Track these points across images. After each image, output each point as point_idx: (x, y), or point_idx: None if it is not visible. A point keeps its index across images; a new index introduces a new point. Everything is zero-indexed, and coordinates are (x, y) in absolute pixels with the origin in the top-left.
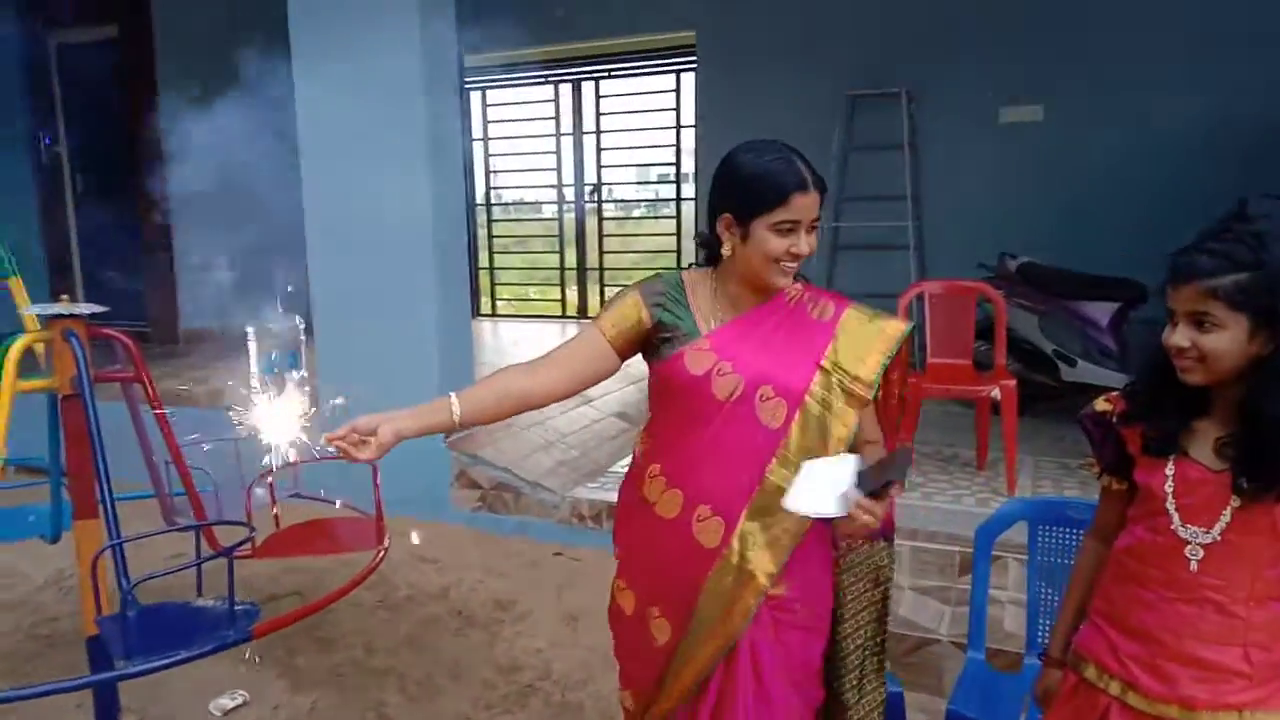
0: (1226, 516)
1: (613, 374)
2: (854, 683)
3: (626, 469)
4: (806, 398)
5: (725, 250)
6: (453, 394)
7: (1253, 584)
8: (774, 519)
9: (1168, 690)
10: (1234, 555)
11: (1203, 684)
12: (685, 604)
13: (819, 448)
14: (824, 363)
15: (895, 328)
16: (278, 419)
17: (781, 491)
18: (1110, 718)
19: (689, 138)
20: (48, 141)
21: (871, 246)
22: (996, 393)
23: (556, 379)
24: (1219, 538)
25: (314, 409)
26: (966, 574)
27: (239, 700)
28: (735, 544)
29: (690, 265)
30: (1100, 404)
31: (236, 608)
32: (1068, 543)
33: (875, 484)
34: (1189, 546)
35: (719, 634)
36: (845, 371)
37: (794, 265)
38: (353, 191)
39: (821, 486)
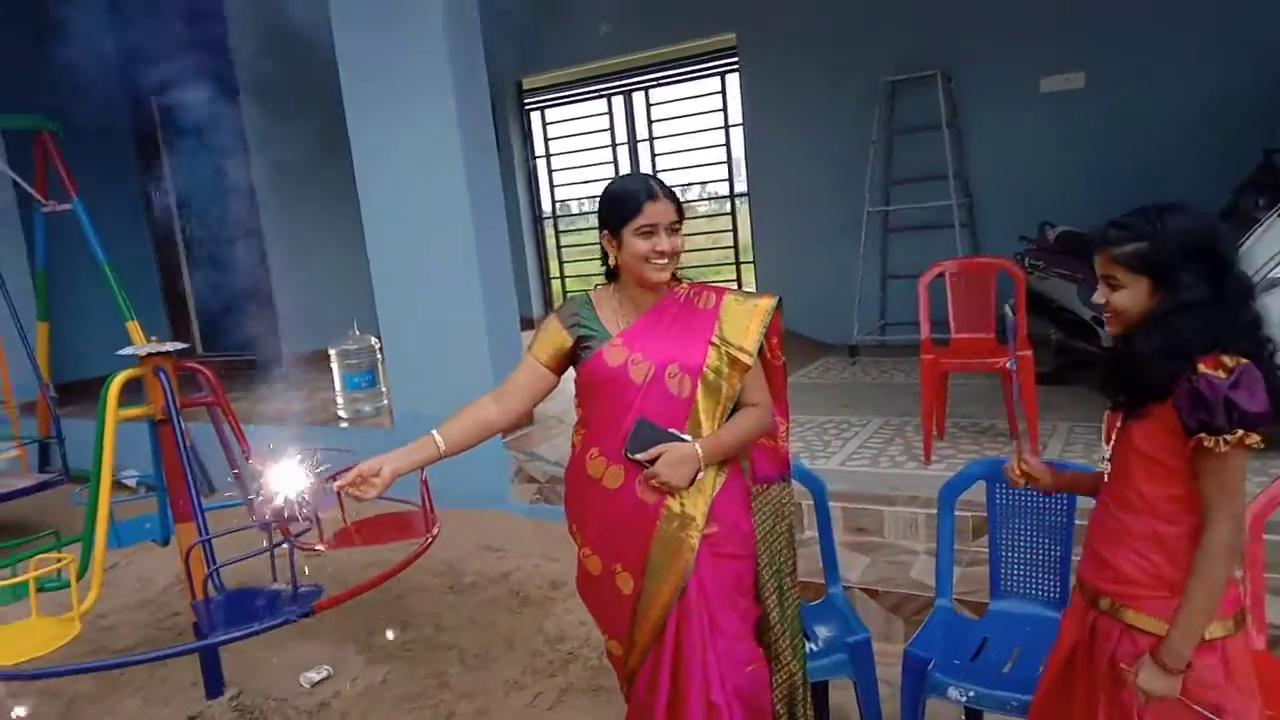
0: (1114, 437)
1: (554, 389)
2: (775, 601)
3: (568, 459)
4: (704, 369)
5: (612, 262)
6: (435, 431)
7: (1126, 493)
8: None
9: (1081, 570)
10: (1118, 470)
11: (1092, 570)
12: (640, 555)
13: (714, 407)
14: (714, 339)
15: (765, 303)
16: (293, 482)
17: None
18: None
19: (738, 136)
20: (158, 194)
21: (921, 227)
22: (1012, 364)
23: (510, 405)
24: (1111, 454)
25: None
26: (980, 537)
27: (324, 674)
28: (671, 497)
29: (597, 286)
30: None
31: (302, 589)
32: (1025, 497)
33: (635, 448)
34: (1102, 463)
35: (673, 573)
36: (730, 344)
37: (663, 261)
38: (404, 222)
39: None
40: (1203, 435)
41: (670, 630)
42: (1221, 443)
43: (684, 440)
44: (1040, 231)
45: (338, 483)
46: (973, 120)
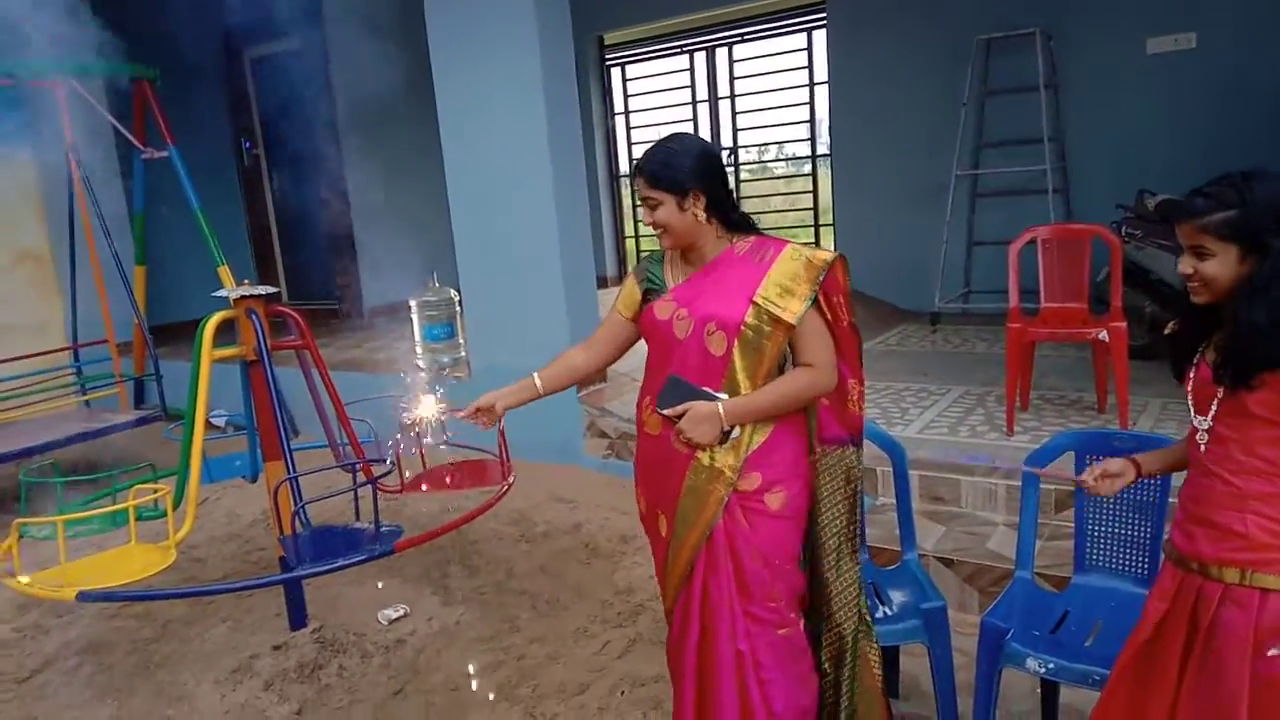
0: (1214, 406)
1: (638, 339)
2: (832, 563)
3: None
4: (742, 327)
5: None
6: (535, 374)
7: (1247, 460)
8: None
9: (1189, 546)
10: (1228, 435)
11: (1212, 542)
12: (673, 501)
13: (756, 367)
14: (755, 297)
15: (821, 257)
16: (425, 404)
17: None
18: (1179, 582)
19: (822, 96)
20: (248, 146)
21: (1012, 192)
22: (1105, 335)
23: (599, 354)
24: (1211, 423)
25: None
26: (1063, 510)
27: (401, 612)
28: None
29: None
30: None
31: (383, 529)
32: None
33: (665, 404)
34: (1198, 434)
35: (699, 523)
36: (772, 302)
37: (658, 231)
38: (486, 177)
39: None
40: None
41: (698, 576)
42: None
43: (715, 398)
44: (1138, 200)
45: (460, 413)
46: (1072, 82)
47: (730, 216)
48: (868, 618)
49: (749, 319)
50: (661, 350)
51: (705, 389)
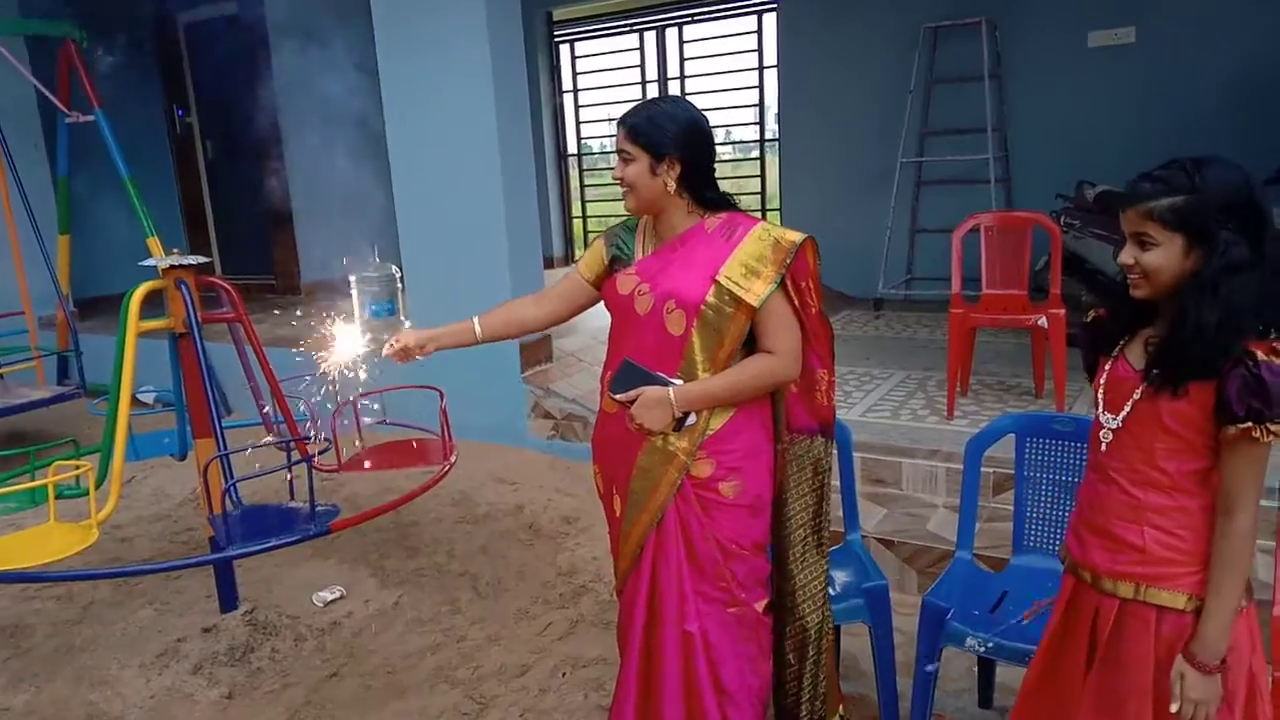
0: (1128, 407)
1: (593, 303)
2: (798, 555)
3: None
4: (702, 307)
5: None
6: (475, 318)
7: (1147, 470)
8: None
9: (1082, 555)
10: (1131, 442)
11: (1107, 554)
12: (626, 481)
13: (715, 349)
14: (718, 276)
15: (789, 239)
16: (345, 344)
17: None
18: (1072, 590)
19: (771, 80)
20: (180, 113)
21: (955, 181)
22: (1044, 321)
23: (549, 310)
24: (1121, 424)
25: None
26: (1001, 493)
27: (337, 594)
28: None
29: None
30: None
31: (319, 508)
32: (1053, 453)
33: (618, 389)
34: (1103, 431)
35: (650, 505)
36: (735, 282)
37: (623, 188)
38: (431, 153)
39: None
40: (1250, 424)
41: (648, 558)
42: (1266, 433)
43: (669, 383)
44: (1078, 190)
45: (385, 350)
46: (1016, 72)
47: (704, 194)
48: (829, 610)
49: (710, 298)
50: (621, 326)
51: (660, 374)
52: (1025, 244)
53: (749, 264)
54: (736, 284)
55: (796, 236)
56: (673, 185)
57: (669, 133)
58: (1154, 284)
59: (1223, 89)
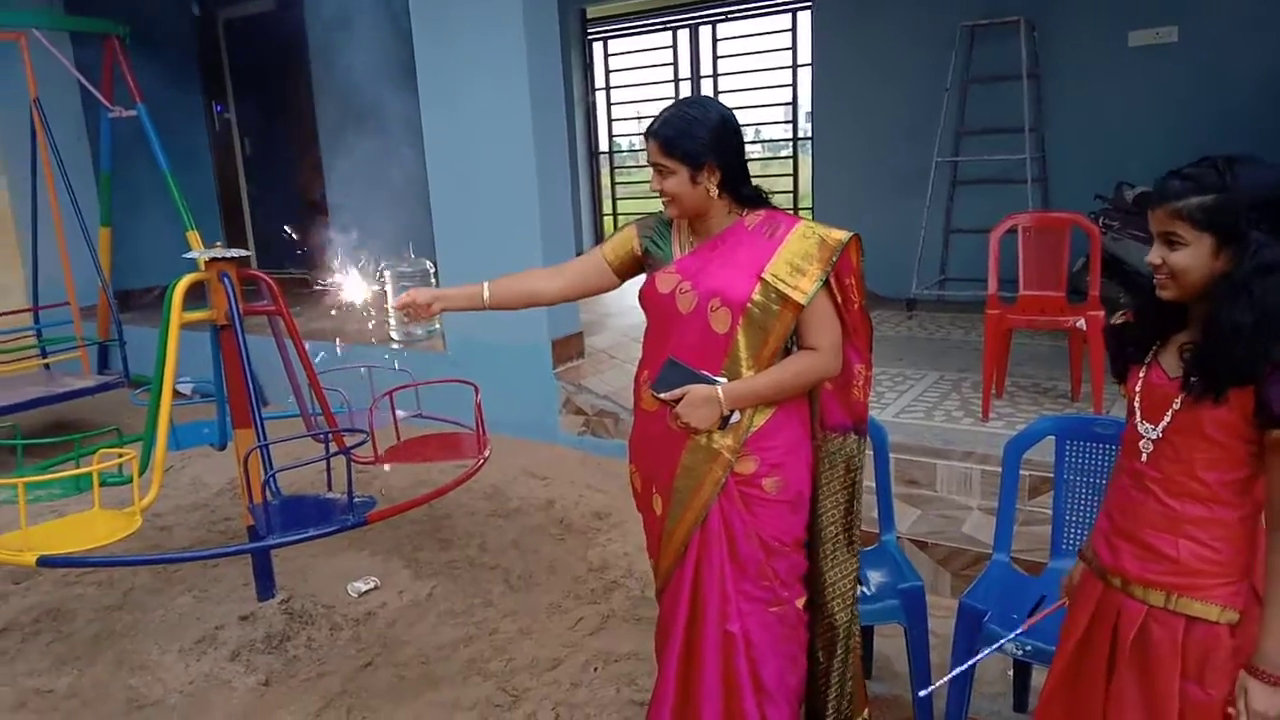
0: (1168, 417)
1: (611, 289)
2: (829, 552)
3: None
4: (748, 305)
5: None
6: (485, 283)
7: (1186, 481)
8: None
9: (1113, 561)
10: (1171, 453)
11: (1138, 560)
12: (669, 480)
13: (760, 347)
14: (764, 275)
15: (835, 237)
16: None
17: None
18: (1099, 594)
19: (805, 78)
20: (219, 109)
21: (990, 181)
22: (1082, 323)
23: (564, 285)
24: (1162, 434)
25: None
26: (1037, 496)
27: (371, 584)
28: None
29: None
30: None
31: (356, 500)
32: (1093, 456)
33: (662, 387)
34: (1142, 441)
35: (694, 504)
36: (782, 280)
37: (665, 199)
38: (466, 148)
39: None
40: None
41: (691, 557)
42: None
43: (714, 381)
44: (1116, 191)
45: (394, 303)
46: (1054, 72)
47: (742, 191)
48: (857, 609)
49: (756, 296)
50: (661, 325)
51: (704, 372)
52: (1064, 245)
53: (795, 262)
54: (783, 282)
55: (842, 234)
56: (715, 191)
57: (702, 140)
58: (1181, 285)
59: (1267, 89)
